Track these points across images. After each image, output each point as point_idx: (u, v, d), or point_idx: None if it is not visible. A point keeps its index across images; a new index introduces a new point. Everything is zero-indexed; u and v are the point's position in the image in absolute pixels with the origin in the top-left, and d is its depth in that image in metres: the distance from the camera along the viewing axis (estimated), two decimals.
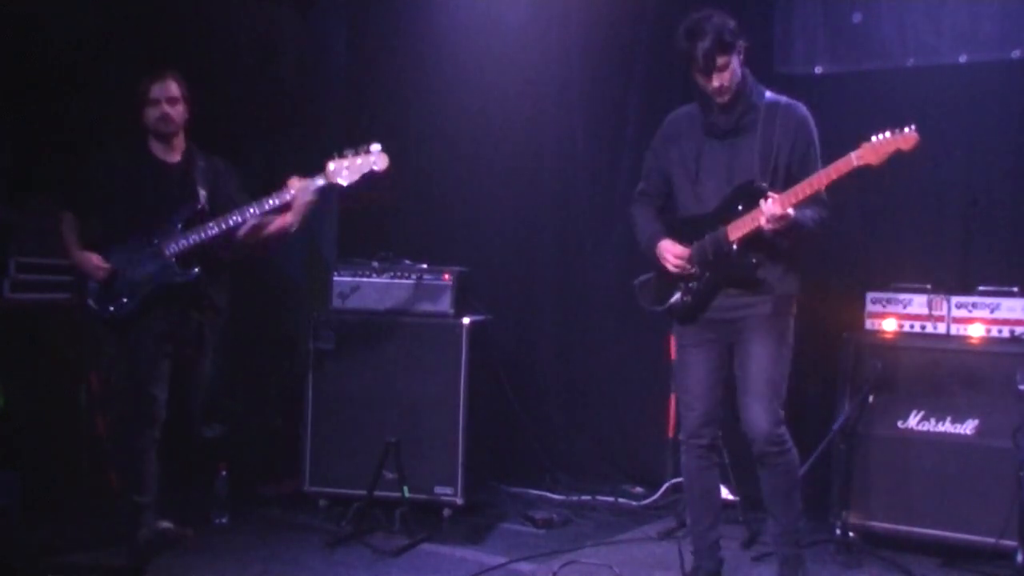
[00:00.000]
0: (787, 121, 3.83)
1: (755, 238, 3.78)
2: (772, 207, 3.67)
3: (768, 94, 3.89)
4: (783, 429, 3.85)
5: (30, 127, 4.85)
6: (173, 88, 4.38)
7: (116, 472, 4.67)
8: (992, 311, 4.59)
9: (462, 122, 6.01)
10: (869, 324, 4.83)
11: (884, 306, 4.80)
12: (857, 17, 5.29)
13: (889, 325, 4.77)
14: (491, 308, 5.52)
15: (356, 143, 4.34)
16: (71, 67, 4.93)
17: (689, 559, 4.12)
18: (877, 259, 5.22)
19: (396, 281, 5.25)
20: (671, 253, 3.91)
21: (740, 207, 3.79)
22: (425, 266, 5.29)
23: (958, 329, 4.64)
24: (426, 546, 4.73)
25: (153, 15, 5.10)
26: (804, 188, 3.69)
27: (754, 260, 3.80)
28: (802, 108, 3.89)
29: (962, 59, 5.10)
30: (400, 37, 6.09)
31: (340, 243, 6.05)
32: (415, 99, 6.05)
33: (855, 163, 3.64)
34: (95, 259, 4.30)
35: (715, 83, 3.76)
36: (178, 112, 4.40)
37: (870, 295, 4.85)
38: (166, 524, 4.52)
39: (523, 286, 6.15)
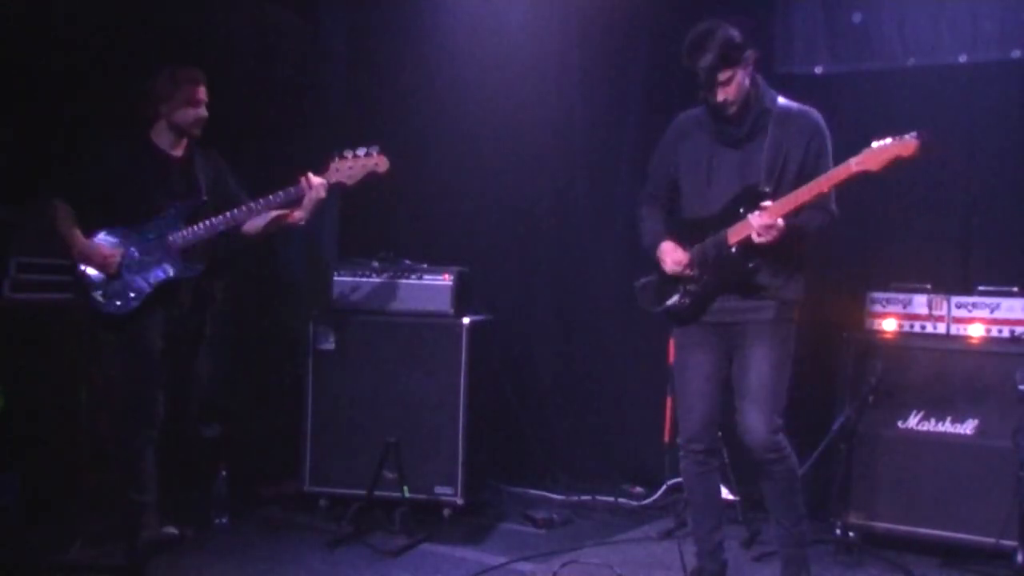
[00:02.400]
0: (799, 127, 3.79)
1: (752, 242, 3.74)
2: (760, 218, 3.64)
3: (780, 99, 3.84)
4: (780, 436, 3.82)
5: (31, 127, 4.84)
6: (205, 91, 4.43)
7: (116, 473, 4.61)
8: (992, 311, 4.59)
9: (462, 122, 6.01)
10: (869, 324, 4.83)
11: (884, 306, 4.81)
12: (857, 17, 5.29)
13: (889, 325, 4.77)
14: (491, 308, 5.52)
15: (356, 143, 4.38)
16: (72, 67, 4.92)
17: (690, 559, 4.11)
18: (877, 259, 5.22)
19: (396, 281, 5.25)
20: (669, 256, 3.89)
21: (742, 211, 3.75)
22: (425, 266, 5.29)
23: (958, 329, 4.64)
24: (426, 546, 4.73)
25: (153, 16, 5.10)
26: (795, 198, 3.65)
27: (751, 265, 3.76)
28: (815, 114, 3.84)
29: (962, 59, 5.11)
30: (400, 37, 6.09)
31: (340, 243, 6.05)
32: (415, 99, 6.05)
33: (854, 169, 3.57)
34: (104, 248, 4.26)
35: (719, 97, 3.72)
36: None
37: (870, 295, 4.85)
38: (172, 530, 4.49)
39: (523, 286, 6.15)
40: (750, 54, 3.73)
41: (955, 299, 4.67)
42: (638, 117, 5.91)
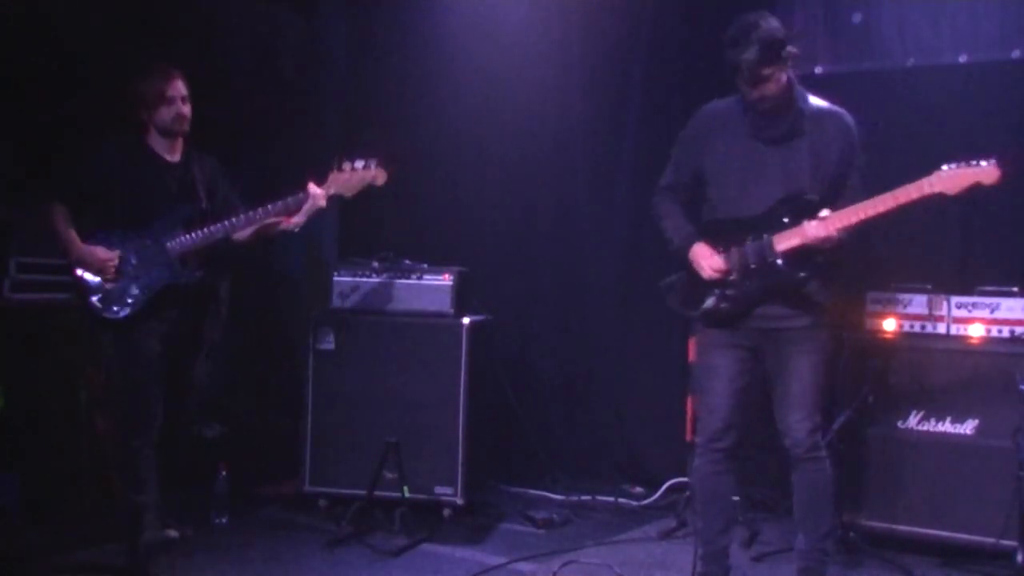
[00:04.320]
0: (833, 130, 3.74)
1: (802, 251, 3.68)
2: (817, 229, 3.59)
3: (811, 98, 3.78)
4: (819, 437, 3.82)
5: (30, 127, 4.85)
6: (183, 86, 4.33)
7: (116, 474, 4.60)
8: (992, 311, 4.59)
9: (462, 122, 6.01)
10: (869, 324, 4.83)
11: (884, 306, 4.80)
12: (857, 17, 5.29)
13: (889, 325, 4.77)
14: (491, 308, 5.52)
15: (354, 154, 4.33)
16: (72, 67, 4.93)
17: (700, 563, 4.07)
18: (877, 259, 5.22)
19: (396, 281, 5.25)
20: (707, 261, 3.78)
21: (786, 219, 3.69)
22: (425, 266, 5.29)
23: (958, 329, 4.64)
24: (426, 546, 4.73)
25: (153, 15, 5.10)
26: (860, 212, 3.58)
27: (803, 275, 3.70)
28: (847, 117, 3.79)
29: (962, 59, 5.11)
30: (400, 37, 6.09)
31: (340, 243, 6.06)
32: (415, 99, 6.05)
33: (927, 190, 3.52)
34: (101, 252, 4.21)
35: (755, 94, 3.65)
36: (188, 110, 4.34)
37: (870, 295, 4.85)
38: (172, 533, 4.46)
39: (523, 286, 6.15)
40: (790, 51, 3.64)
41: (955, 299, 4.67)
42: (638, 117, 5.91)
